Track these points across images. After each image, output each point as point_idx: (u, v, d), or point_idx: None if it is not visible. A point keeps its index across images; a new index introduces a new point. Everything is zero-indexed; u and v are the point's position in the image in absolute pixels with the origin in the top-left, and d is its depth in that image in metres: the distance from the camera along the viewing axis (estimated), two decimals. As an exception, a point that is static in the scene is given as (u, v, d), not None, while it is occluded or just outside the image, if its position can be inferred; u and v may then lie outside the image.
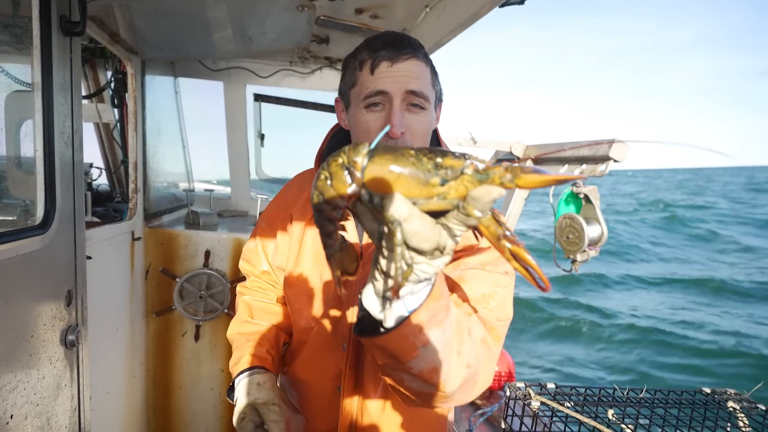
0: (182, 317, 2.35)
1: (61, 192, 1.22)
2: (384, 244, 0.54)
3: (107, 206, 2.93)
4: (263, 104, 3.16)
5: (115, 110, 2.56)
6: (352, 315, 0.99)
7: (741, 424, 1.14)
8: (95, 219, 2.57)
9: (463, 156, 0.49)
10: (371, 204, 0.52)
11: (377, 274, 0.59)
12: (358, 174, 0.51)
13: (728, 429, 1.13)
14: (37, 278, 1.12)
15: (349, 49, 2.39)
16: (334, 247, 0.59)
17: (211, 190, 3.09)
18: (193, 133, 3.34)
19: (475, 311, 0.83)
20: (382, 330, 0.64)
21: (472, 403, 2.06)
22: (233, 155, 3.16)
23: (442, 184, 0.49)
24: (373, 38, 0.94)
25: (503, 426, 1.10)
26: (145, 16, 1.80)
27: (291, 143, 3.43)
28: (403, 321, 0.62)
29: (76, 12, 1.24)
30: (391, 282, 0.53)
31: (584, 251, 2.00)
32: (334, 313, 1.00)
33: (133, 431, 2.30)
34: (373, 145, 0.52)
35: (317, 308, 1.04)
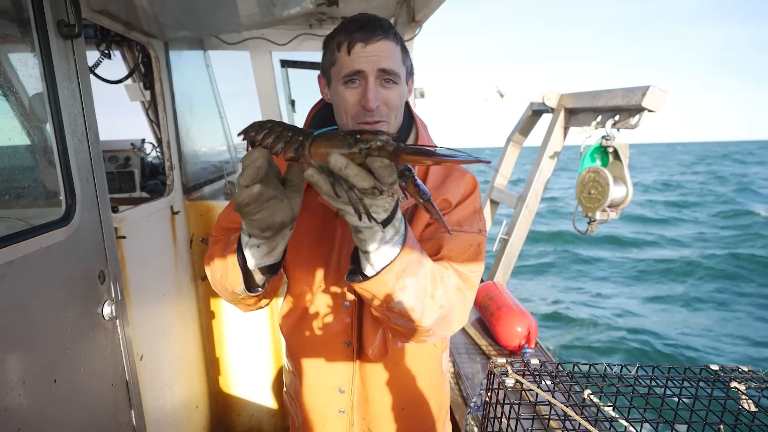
0: (225, 281, 2.56)
1: (81, 185, 1.36)
2: (339, 193, 0.73)
3: (158, 179, 3.19)
4: (290, 70, 3.17)
5: (147, 92, 2.71)
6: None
7: (746, 406, 1.06)
8: (144, 194, 2.82)
9: (376, 134, 0.68)
10: (321, 169, 0.71)
11: (349, 218, 0.75)
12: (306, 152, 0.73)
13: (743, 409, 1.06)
14: (65, 264, 1.29)
15: (360, 6, 2.28)
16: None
17: None
18: (230, 102, 3.46)
19: (452, 265, 1.00)
20: (368, 275, 0.83)
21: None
22: (267, 122, 3.24)
23: (360, 152, 0.68)
24: (348, 21, 1.04)
25: (485, 398, 1.13)
26: (156, 1, 1.85)
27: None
28: (382, 269, 0.81)
29: (72, 15, 1.31)
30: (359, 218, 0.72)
31: (605, 210, 1.86)
32: (335, 277, 1.15)
33: (196, 376, 2.63)
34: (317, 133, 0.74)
35: (318, 275, 1.17)
